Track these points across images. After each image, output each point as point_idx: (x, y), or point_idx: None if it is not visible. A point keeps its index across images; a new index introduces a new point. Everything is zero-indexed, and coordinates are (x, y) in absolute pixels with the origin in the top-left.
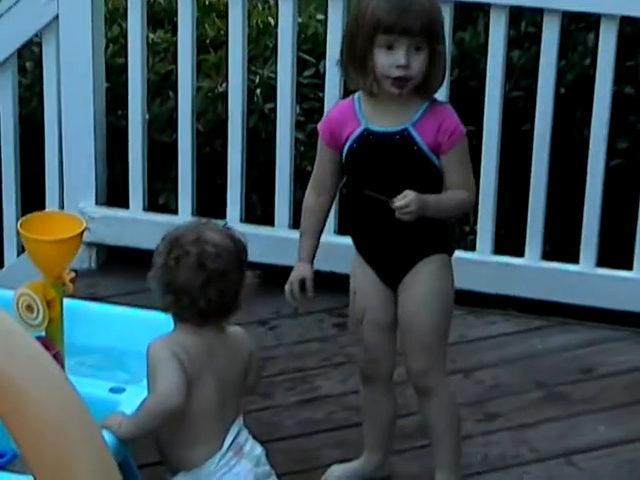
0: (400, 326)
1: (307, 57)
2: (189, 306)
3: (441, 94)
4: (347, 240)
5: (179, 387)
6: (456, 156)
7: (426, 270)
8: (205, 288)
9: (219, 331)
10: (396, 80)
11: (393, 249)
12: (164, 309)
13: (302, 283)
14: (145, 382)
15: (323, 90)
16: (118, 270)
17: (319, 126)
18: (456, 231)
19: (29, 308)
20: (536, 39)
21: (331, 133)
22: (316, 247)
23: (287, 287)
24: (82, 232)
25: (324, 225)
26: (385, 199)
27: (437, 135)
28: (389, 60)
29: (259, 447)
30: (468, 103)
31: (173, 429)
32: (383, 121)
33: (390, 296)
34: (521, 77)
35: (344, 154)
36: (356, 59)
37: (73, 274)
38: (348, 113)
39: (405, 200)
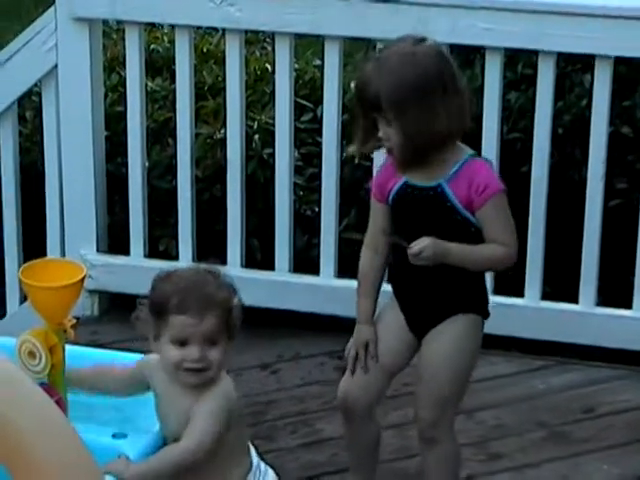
0: (418, 374)
1: (304, 102)
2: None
3: None
4: (347, 283)
5: (211, 444)
6: (489, 212)
7: (453, 328)
8: None
9: None
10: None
11: (424, 301)
12: (228, 345)
13: (366, 346)
14: (146, 427)
15: (321, 135)
16: (119, 317)
17: (371, 181)
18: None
19: (31, 355)
20: (533, 81)
21: (379, 186)
22: (375, 308)
23: (351, 352)
24: (83, 278)
25: (381, 283)
26: (405, 244)
27: (469, 192)
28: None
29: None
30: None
31: (211, 457)
32: (421, 176)
33: (410, 344)
34: (519, 119)
35: (389, 207)
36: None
37: (74, 320)
38: (394, 167)
39: (418, 247)
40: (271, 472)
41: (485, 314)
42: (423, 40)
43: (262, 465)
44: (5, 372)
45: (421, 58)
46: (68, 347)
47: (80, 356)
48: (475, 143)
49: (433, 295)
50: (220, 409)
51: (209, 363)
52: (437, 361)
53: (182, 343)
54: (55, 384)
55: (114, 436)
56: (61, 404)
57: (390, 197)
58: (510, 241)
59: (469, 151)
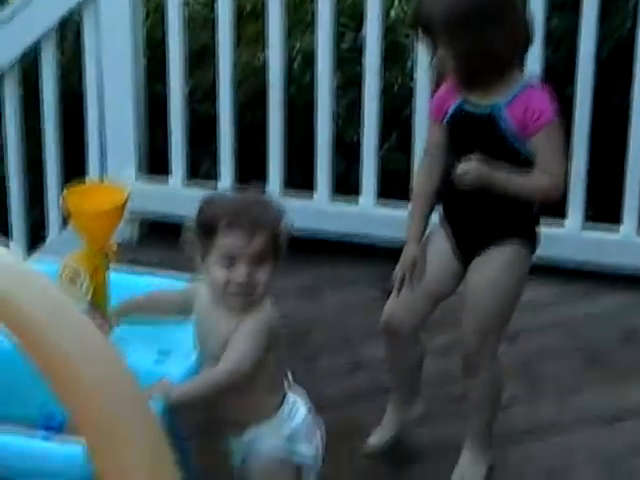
0: (463, 301)
1: (346, 27)
2: None
3: None
4: (388, 209)
5: (250, 367)
6: (541, 140)
7: (499, 255)
8: None
9: None
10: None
11: (473, 225)
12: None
13: (414, 264)
14: (189, 350)
15: (362, 60)
16: (159, 241)
17: (430, 101)
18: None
19: (73, 279)
20: (577, 3)
21: (437, 105)
22: (425, 228)
23: (399, 273)
24: (125, 202)
25: (434, 203)
26: (455, 163)
27: (524, 118)
28: None
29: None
30: None
31: (249, 383)
32: (478, 99)
33: (457, 270)
34: (562, 41)
35: (445, 127)
36: None
37: (116, 244)
38: (454, 88)
39: (463, 169)
40: (302, 396)
41: (533, 244)
42: None
43: (291, 395)
44: (48, 295)
45: None
46: (110, 271)
47: (121, 281)
48: None
49: (482, 220)
50: (261, 332)
51: (256, 284)
52: (481, 289)
53: (230, 264)
54: (98, 307)
55: (157, 358)
56: (103, 328)
57: (445, 119)
58: (558, 172)
59: (528, 77)
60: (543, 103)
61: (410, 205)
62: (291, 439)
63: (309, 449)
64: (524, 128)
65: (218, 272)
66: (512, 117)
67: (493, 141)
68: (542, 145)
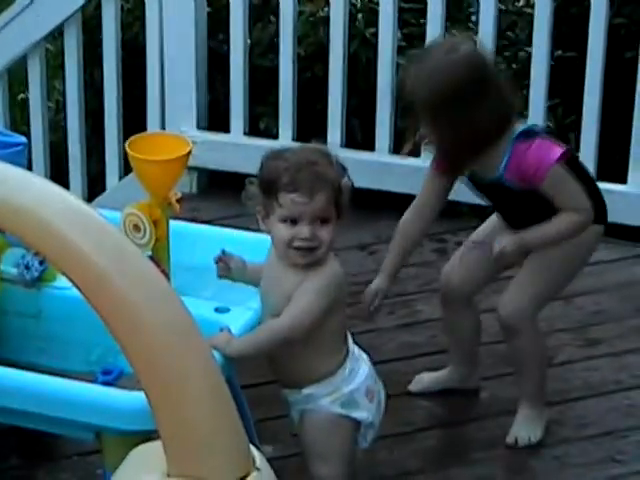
0: (523, 264)
1: None
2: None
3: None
4: None
5: (311, 323)
6: (549, 188)
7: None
8: None
9: None
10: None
11: (530, 224)
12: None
13: (375, 296)
14: (250, 303)
15: (425, 16)
16: (218, 194)
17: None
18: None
19: (136, 228)
20: None
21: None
22: (401, 265)
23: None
24: (189, 152)
25: (417, 244)
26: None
27: (523, 178)
28: None
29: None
30: (571, 30)
31: (311, 340)
32: (479, 169)
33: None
34: (624, 4)
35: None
36: None
37: (179, 194)
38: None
39: (498, 251)
40: (364, 356)
41: (604, 221)
42: (459, 46)
43: (356, 350)
44: (111, 241)
45: (451, 68)
46: (172, 222)
47: (182, 232)
48: (582, 28)
49: (537, 220)
50: (326, 288)
51: (319, 242)
52: (545, 263)
53: (293, 222)
54: (159, 257)
55: (216, 310)
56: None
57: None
58: (580, 204)
59: (511, 136)
60: (532, 158)
61: (393, 238)
62: (350, 398)
63: (368, 408)
64: (528, 183)
65: (281, 230)
66: (514, 182)
67: (514, 197)
68: (553, 191)
